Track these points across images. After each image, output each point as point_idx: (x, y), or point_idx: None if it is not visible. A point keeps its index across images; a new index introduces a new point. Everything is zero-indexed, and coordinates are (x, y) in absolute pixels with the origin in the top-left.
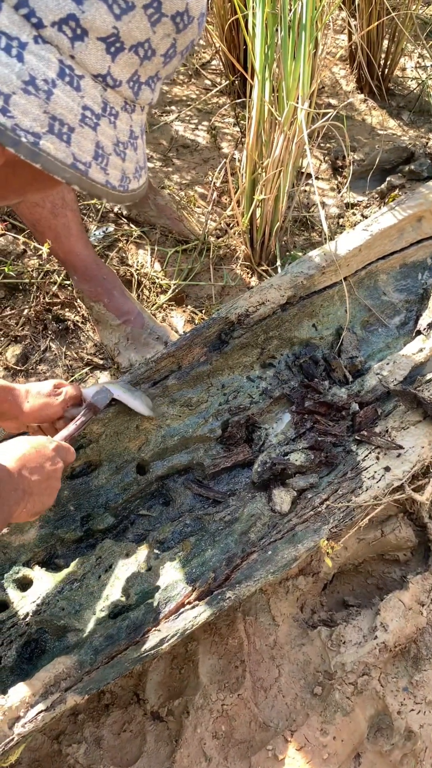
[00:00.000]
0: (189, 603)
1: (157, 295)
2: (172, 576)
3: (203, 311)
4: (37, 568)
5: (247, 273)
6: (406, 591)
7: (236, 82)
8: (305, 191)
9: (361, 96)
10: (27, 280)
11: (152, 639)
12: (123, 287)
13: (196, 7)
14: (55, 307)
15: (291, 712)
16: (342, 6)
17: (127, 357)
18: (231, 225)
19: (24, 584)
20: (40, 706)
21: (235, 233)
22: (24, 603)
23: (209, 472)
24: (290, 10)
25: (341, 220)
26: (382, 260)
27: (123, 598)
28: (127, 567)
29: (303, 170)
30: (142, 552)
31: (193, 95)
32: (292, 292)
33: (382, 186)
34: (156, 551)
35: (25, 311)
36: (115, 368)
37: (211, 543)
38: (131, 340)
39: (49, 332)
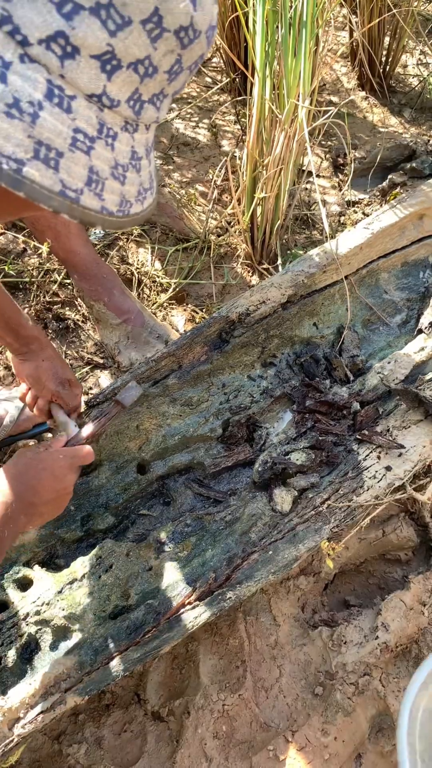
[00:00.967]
0: (189, 603)
1: (158, 294)
2: (172, 576)
3: (204, 310)
4: (37, 568)
5: (248, 271)
6: (408, 591)
7: (237, 79)
8: (306, 189)
9: (363, 93)
10: (27, 279)
11: (153, 639)
12: (123, 286)
13: (203, 20)
14: (55, 306)
15: (292, 712)
16: (343, 3)
17: (128, 356)
18: (232, 223)
19: (24, 584)
20: (40, 707)
21: (235, 231)
22: (24, 603)
23: (210, 472)
24: (291, 7)
25: (342, 218)
26: (383, 258)
27: (123, 599)
28: (127, 567)
29: (304, 168)
30: (143, 552)
31: (194, 93)
32: (293, 291)
33: (384, 184)
34: (156, 551)
35: (26, 310)
36: (116, 367)
37: (211, 543)
38: (132, 339)
39: (50, 331)
